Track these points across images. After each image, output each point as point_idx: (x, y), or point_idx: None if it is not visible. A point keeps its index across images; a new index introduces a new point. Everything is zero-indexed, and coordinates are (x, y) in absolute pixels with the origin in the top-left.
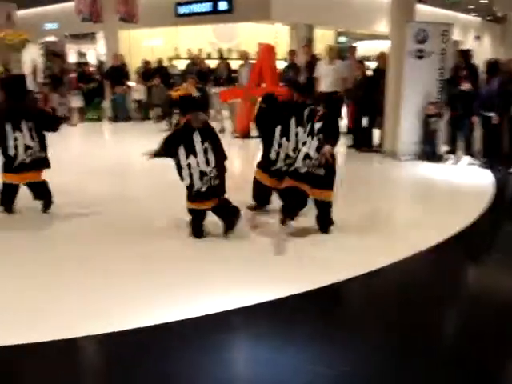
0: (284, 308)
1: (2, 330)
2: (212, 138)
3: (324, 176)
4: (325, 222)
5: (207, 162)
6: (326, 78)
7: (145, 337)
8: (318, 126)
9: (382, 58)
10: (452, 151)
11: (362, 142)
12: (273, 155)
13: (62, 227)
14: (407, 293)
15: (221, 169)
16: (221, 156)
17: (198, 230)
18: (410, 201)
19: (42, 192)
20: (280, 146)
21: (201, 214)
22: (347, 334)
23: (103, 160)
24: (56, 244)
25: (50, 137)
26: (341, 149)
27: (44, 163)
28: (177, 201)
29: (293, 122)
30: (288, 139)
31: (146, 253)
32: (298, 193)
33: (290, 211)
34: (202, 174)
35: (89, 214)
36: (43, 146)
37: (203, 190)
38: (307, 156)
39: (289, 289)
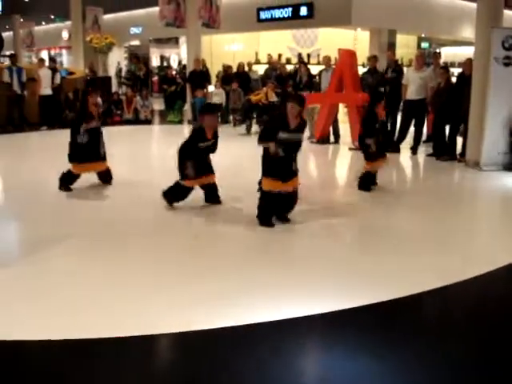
0: (359, 317)
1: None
2: None
3: None
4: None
5: None
6: (413, 85)
7: (222, 337)
8: None
9: (468, 64)
10: None
11: (443, 150)
12: None
13: (140, 224)
14: (483, 308)
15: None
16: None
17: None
18: (489, 214)
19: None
20: None
21: None
22: (423, 347)
23: None
24: (139, 242)
25: (131, 138)
26: (420, 157)
27: None
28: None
29: None
30: None
31: (225, 251)
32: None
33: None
34: None
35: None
36: None
37: None
38: None
39: (364, 298)
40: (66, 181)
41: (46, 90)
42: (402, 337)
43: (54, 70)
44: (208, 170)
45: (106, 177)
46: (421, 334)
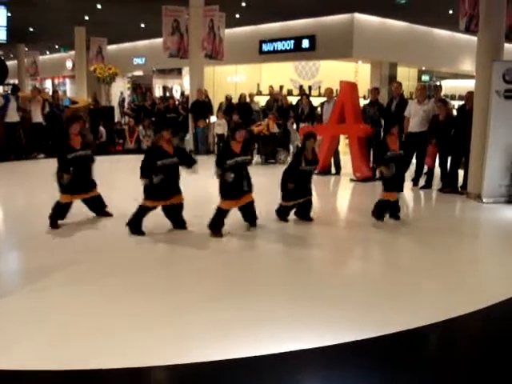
0: (363, 351)
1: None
2: None
3: None
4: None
5: None
6: (416, 118)
7: (221, 370)
8: None
9: (470, 97)
10: None
11: (445, 183)
12: None
13: (149, 253)
14: (487, 342)
15: None
16: None
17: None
18: (493, 247)
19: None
20: None
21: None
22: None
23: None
24: (146, 269)
25: (130, 167)
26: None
27: None
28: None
29: None
30: None
31: (229, 286)
32: None
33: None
34: None
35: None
36: None
37: None
38: None
39: (369, 331)
40: (57, 215)
41: (38, 117)
42: (409, 371)
43: (44, 100)
44: (176, 190)
45: (98, 206)
46: (426, 368)
